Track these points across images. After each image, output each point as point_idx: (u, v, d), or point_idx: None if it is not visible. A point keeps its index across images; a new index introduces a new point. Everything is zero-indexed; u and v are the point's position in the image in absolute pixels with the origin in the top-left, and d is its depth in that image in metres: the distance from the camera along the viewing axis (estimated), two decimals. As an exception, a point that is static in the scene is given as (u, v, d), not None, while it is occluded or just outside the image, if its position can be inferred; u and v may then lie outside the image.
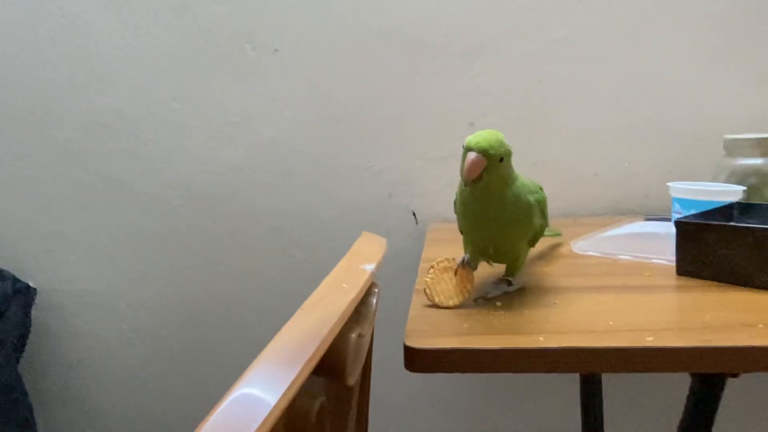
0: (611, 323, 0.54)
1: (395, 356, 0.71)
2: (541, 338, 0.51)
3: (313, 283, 1.17)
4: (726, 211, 0.77)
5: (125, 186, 1.17)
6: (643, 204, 1.10)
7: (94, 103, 1.15)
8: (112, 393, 1.24)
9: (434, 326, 0.56)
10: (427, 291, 0.62)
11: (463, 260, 0.63)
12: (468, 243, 0.64)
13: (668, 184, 0.90)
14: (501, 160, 0.57)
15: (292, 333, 0.30)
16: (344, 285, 0.38)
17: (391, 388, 1.16)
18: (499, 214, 0.60)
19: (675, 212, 0.89)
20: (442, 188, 1.12)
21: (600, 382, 0.93)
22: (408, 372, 0.53)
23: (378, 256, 0.45)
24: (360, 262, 0.42)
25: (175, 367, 1.22)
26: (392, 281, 1.13)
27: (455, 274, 0.62)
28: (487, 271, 0.72)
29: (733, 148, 0.97)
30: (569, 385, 1.10)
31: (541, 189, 0.64)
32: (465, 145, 0.59)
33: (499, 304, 0.62)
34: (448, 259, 0.64)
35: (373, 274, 0.42)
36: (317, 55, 1.10)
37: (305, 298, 1.20)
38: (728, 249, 0.64)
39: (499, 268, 0.69)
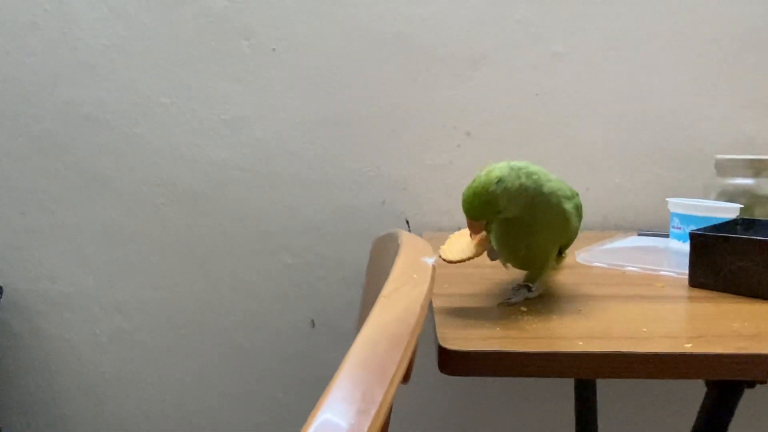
0: (645, 330, 0.54)
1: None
2: (580, 343, 0.50)
3: (300, 289, 1.15)
4: (731, 226, 0.78)
5: (105, 182, 1.12)
6: (633, 220, 1.11)
7: (76, 94, 1.10)
8: (81, 401, 1.17)
9: (464, 329, 0.55)
10: (441, 253, 0.62)
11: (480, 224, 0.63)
12: (499, 247, 0.63)
13: (668, 199, 0.91)
14: (498, 212, 0.58)
15: (383, 327, 0.28)
16: (415, 275, 0.35)
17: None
18: (532, 220, 0.59)
19: (674, 227, 0.90)
20: (437, 196, 1.11)
21: (594, 389, 0.93)
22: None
23: (431, 251, 0.44)
24: (417, 256, 0.41)
25: (151, 375, 1.16)
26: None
27: (471, 236, 0.63)
28: (503, 276, 0.71)
29: (725, 168, 1.00)
30: (561, 393, 1.10)
31: (576, 195, 0.63)
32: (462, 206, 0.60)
33: (524, 309, 0.60)
34: (466, 229, 0.64)
35: (435, 268, 0.40)
36: (316, 56, 1.08)
37: (292, 304, 1.17)
38: (744, 262, 0.65)
39: (516, 274, 0.68)
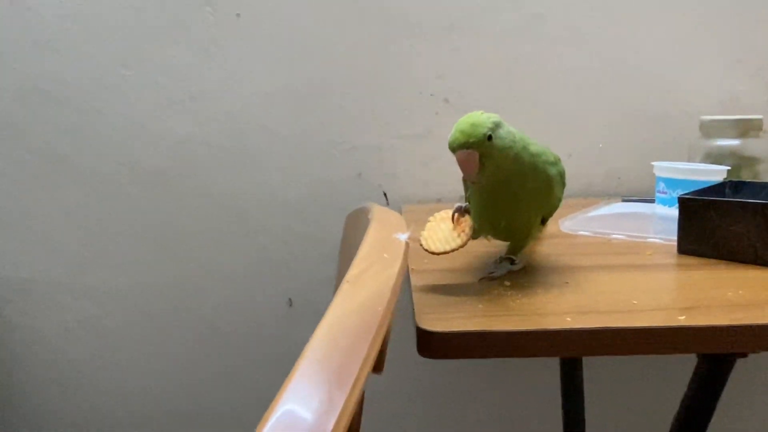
0: (635, 302, 0.51)
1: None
2: (569, 319, 0.47)
3: (276, 268, 1.11)
4: (719, 189, 0.75)
5: (67, 162, 1.06)
6: (616, 186, 1.08)
7: (32, 69, 1.03)
8: (51, 392, 1.13)
9: (444, 307, 0.51)
10: (422, 240, 0.57)
11: (460, 207, 0.59)
12: (478, 218, 0.59)
13: (653, 163, 0.88)
14: (489, 138, 0.52)
15: (345, 317, 0.24)
16: (385, 255, 0.32)
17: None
18: (518, 187, 0.55)
19: (659, 191, 0.87)
20: (415, 168, 1.07)
21: (580, 362, 0.91)
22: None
23: (404, 226, 0.40)
24: (390, 231, 0.37)
25: (124, 362, 1.12)
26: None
27: (453, 220, 0.58)
28: (484, 249, 0.67)
29: (710, 129, 0.97)
30: (545, 364, 1.08)
31: (559, 160, 0.60)
32: (449, 146, 0.54)
33: (507, 283, 0.57)
34: (446, 211, 0.60)
35: (408, 245, 0.36)
36: (283, 22, 1.03)
37: (268, 283, 1.13)
38: (735, 226, 0.62)
39: (498, 246, 0.65)
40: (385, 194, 1.07)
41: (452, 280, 0.59)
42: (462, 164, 0.53)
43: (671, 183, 0.85)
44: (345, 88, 1.05)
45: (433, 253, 0.56)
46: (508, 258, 0.62)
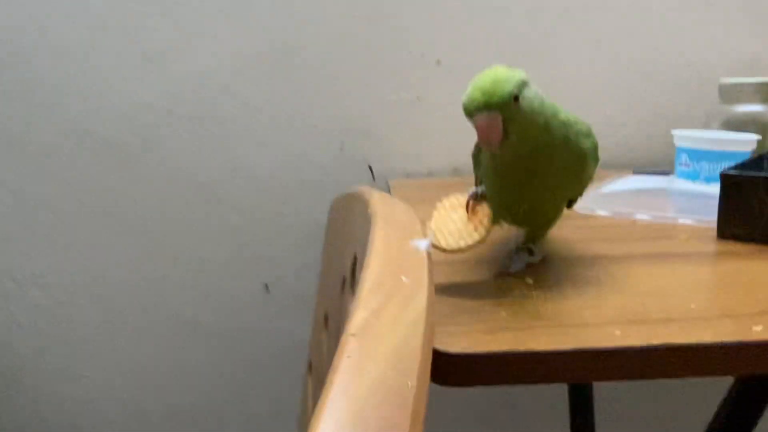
0: (693, 306, 0.41)
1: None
2: (617, 332, 0.38)
3: (250, 251, 0.99)
4: (758, 163, 0.66)
5: (6, 134, 0.93)
6: (625, 155, 0.99)
7: (-42, 26, 0.89)
8: (-1, 389, 1.02)
9: (459, 315, 0.41)
10: (432, 237, 0.46)
11: (476, 193, 0.48)
12: (493, 202, 0.48)
13: (673, 132, 0.79)
14: (516, 98, 0.42)
15: (356, 413, 0.14)
16: (403, 278, 0.21)
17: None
18: (545, 163, 0.45)
19: (681, 164, 0.78)
20: (403, 139, 0.96)
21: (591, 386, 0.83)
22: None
23: (418, 225, 0.29)
24: (402, 236, 0.26)
25: (79, 356, 1.01)
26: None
27: (467, 209, 0.47)
28: (495, 234, 0.57)
29: (730, 93, 0.87)
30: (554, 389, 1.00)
31: (592, 131, 0.49)
32: (464, 109, 0.43)
33: (530, 281, 0.47)
34: (456, 196, 0.49)
35: (431, 261, 0.26)
36: (253, -28, 0.90)
37: (242, 268, 1.01)
38: (791, 207, 0.53)
39: (510, 229, 0.54)
40: (370, 168, 0.96)
41: (462, 276, 0.49)
42: (482, 131, 0.42)
43: (695, 154, 0.76)
44: (324, 49, 0.93)
45: (445, 250, 0.45)
46: (526, 247, 0.52)
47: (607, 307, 0.42)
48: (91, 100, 0.92)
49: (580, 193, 0.51)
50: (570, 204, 0.52)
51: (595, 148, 0.49)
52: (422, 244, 0.25)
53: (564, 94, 0.97)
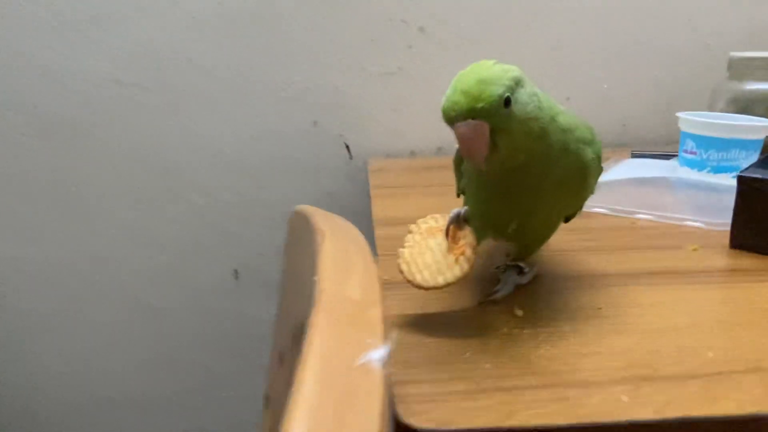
0: (711, 355, 0.35)
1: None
2: (625, 398, 0.31)
3: (217, 235, 0.92)
4: (776, 157, 0.59)
5: (-60, 106, 0.83)
6: (621, 134, 0.92)
7: None
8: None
9: (432, 367, 0.34)
10: (404, 266, 0.39)
11: (458, 215, 0.41)
12: (478, 217, 0.41)
13: (678, 114, 0.71)
14: (507, 103, 0.34)
15: None
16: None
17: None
18: (539, 176, 0.38)
19: (686, 151, 0.70)
20: (383, 114, 0.87)
21: None
22: None
23: (378, 295, 0.22)
24: (348, 327, 0.18)
25: (37, 346, 0.94)
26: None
27: (447, 236, 0.40)
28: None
29: (740, 68, 0.79)
30: None
31: (595, 136, 0.42)
32: (444, 115, 0.35)
33: (519, 313, 0.41)
34: (434, 217, 0.42)
35: (389, 380, 0.19)
36: (212, -76, 0.79)
37: (209, 253, 0.93)
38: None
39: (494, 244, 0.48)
40: (347, 146, 0.88)
41: (438, 304, 0.42)
42: (464, 142, 0.35)
43: (702, 141, 0.68)
44: (296, 14, 0.83)
45: (420, 287, 0.38)
46: (515, 265, 0.45)
47: (611, 353, 0.36)
48: (31, 71, 0.82)
49: (579, 208, 0.44)
50: (567, 219, 0.45)
51: (599, 157, 0.41)
52: (376, 357, 0.18)
53: (558, 67, 0.90)
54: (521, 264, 0.45)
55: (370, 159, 0.87)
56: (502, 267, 0.45)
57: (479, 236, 0.42)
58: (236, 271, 0.93)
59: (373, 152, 0.89)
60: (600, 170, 0.42)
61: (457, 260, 0.38)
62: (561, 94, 0.90)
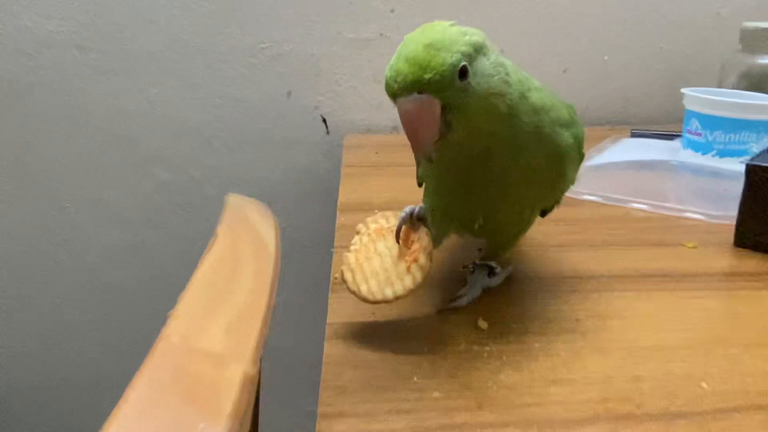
0: (705, 386, 0.29)
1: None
2: (597, 445, 0.25)
3: (185, 213, 0.86)
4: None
5: None
6: (621, 111, 0.85)
7: None
8: None
9: (368, 391, 0.29)
10: (348, 275, 0.33)
11: (412, 213, 0.34)
12: (439, 213, 0.35)
13: (683, 90, 0.65)
14: (463, 73, 0.28)
15: None
16: None
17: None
18: (507, 164, 0.31)
19: (690, 131, 0.64)
20: (362, 84, 0.81)
21: None
22: None
23: (255, 341, 0.16)
24: (179, 402, 0.13)
25: (-5, 326, 0.89)
26: (296, 220, 0.84)
27: (398, 240, 0.34)
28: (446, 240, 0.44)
29: (753, 40, 0.73)
30: None
31: (575, 117, 0.35)
32: (386, 88, 0.29)
33: (483, 325, 0.35)
34: (385, 216, 0.36)
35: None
36: None
37: (176, 231, 0.87)
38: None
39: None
40: (324, 119, 0.82)
41: (389, 309, 0.36)
42: (408, 123, 0.28)
43: (708, 122, 0.62)
44: (266, -29, 0.76)
45: (366, 300, 0.33)
46: (485, 264, 0.39)
47: (586, 380, 0.30)
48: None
49: (557, 201, 0.38)
50: (543, 213, 0.39)
51: (579, 142, 0.35)
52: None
53: (553, 37, 0.82)
54: (492, 264, 0.39)
55: (346, 135, 0.81)
56: (471, 266, 0.40)
57: (441, 232, 0.36)
58: (206, 251, 0.87)
59: (352, 127, 0.82)
60: (581, 157, 0.36)
61: (409, 269, 0.32)
62: (557, 66, 0.82)
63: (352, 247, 0.34)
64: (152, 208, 0.84)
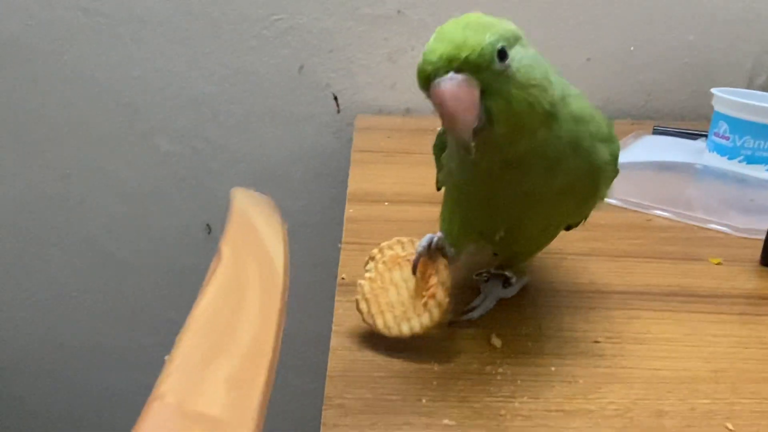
0: (730, 426, 0.28)
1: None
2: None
3: (188, 186, 0.84)
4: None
5: None
6: (644, 105, 0.82)
7: None
8: None
9: (366, 414, 0.27)
10: (363, 305, 0.32)
11: (431, 244, 0.32)
12: (459, 224, 0.33)
13: (713, 91, 0.62)
14: (502, 56, 0.25)
15: None
16: None
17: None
18: (541, 175, 0.29)
19: (717, 135, 0.61)
20: (376, 63, 0.78)
21: None
22: None
23: (258, 398, 0.14)
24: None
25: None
26: (302, 200, 0.82)
27: (414, 271, 0.32)
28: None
29: (788, 39, 0.69)
30: None
31: (613, 131, 0.33)
32: (419, 73, 0.26)
33: (497, 342, 0.33)
34: (401, 242, 0.34)
35: None
36: None
37: (179, 204, 0.84)
38: None
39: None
40: (335, 97, 0.79)
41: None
42: (446, 104, 0.26)
43: (737, 125, 0.59)
44: (282, -61, 0.72)
45: (380, 333, 0.31)
46: (501, 275, 0.37)
47: (604, 412, 0.28)
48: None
49: (585, 218, 0.36)
50: (569, 227, 0.37)
51: (615, 158, 0.32)
52: None
53: (577, 26, 0.79)
54: (507, 273, 0.37)
55: (358, 115, 0.78)
56: (485, 275, 0.38)
57: (458, 245, 0.34)
58: (209, 226, 0.86)
59: (364, 106, 0.79)
60: (615, 174, 0.34)
61: (425, 304, 0.30)
62: (580, 55, 0.79)
63: (367, 274, 0.32)
64: (154, 179, 0.82)
